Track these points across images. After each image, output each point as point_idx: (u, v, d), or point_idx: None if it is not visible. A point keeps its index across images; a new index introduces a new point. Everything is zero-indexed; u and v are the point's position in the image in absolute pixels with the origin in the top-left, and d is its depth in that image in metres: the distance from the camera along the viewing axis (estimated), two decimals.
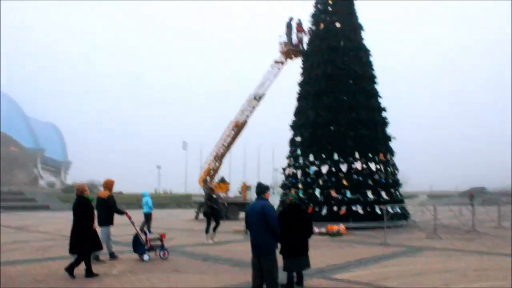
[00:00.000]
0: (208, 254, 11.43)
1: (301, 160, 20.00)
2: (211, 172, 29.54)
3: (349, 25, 21.09)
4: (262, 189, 6.93)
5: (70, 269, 8.08)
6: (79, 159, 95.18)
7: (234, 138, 28.39)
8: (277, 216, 6.81)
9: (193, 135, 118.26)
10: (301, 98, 21.22)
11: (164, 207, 54.22)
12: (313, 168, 19.25)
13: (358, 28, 21.43)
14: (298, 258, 7.36)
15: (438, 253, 11.50)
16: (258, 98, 26.15)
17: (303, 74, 21.79)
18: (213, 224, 14.35)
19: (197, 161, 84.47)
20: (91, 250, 8.44)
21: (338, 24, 20.81)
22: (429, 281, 7.91)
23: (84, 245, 8.16)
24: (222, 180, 29.85)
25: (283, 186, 21.17)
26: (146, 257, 10.29)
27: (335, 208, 18.33)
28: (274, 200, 29.35)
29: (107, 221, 10.40)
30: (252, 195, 29.19)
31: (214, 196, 14.78)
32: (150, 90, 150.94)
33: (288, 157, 21.15)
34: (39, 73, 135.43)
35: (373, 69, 21.13)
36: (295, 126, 21.11)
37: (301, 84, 21.56)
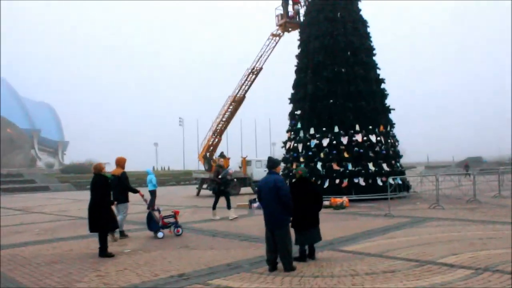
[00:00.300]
0: (216, 230, 11.53)
1: (301, 134, 20.00)
2: (210, 148, 29.54)
3: None
4: (273, 164, 7.10)
5: (103, 252, 8.13)
6: (75, 139, 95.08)
7: (232, 113, 28.30)
8: (289, 189, 6.94)
9: (189, 112, 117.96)
10: (299, 70, 21.06)
11: (164, 184, 54.43)
12: (314, 142, 19.28)
13: None
14: (309, 231, 7.45)
15: (442, 223, 11.63)
16: (255, 72, 25.96)
17: (300, 46, 21.57)
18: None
19: (194, 138, 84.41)
20: (109, 230, 8.48)
21: None
22: (437, 251, 7.99)
23: (104, 223, 8.20)
24: (222, 156, 29.71)
25: (285, 159, 21.19)
26: (160, 234, 10.36)
27: (337, 181, 18.44)
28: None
29: (121, 199, 10.46)
30: (252, 170, 29.35)
31: (224, 172, 14.40)
32: (145, 67, 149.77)
33: (289, 131, 21.14)
34: (30, 51, 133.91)
35: (371, 41, 20.92)
36: (294, 100, 21.01)
37: (298, 57, 21.38)
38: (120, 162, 10.81)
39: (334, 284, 6.03)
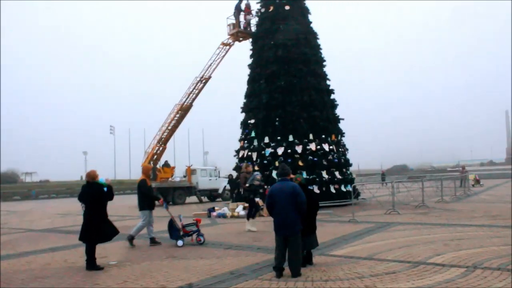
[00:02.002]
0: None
1: (255, 143, 20.17)
2: (154, 157, 28.89)
3: (297, 8, 21.37)
4: (287, 171, 7.20)
5: (91, 265, 7.71)
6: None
7: (179, 122, 27.91)
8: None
9: (120, 119, 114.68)
10: (252, 80, 21.28)
11: None
12: (269, 150, 19.52)
13: (306, 11, 21.79)
14: (308, 237, 7.56)
15: (407, 227, 12.23)
16: (204, 80, 25.83)
17: (253, 56, 21.84)
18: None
19: (125, 146, 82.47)
20: (101, 241, 8.03)
21: (287, 7, 21.01)
22: (420, 252, 8.42)
23: (96, 234, 7.78)
24: (166, 164, 29.33)
25: (238, 168, 21.23)
26: (180, 242, 10.16)
27: None
28: (221, 183, 29.51)
29: (143, 206, 10.42)
30: (197, 179, 29.08)
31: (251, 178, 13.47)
32: (75, 71, 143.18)
33: (242, 140, 21.23)
34: None
35: (321, 52, 21.63)
36: (247, 109, 21.18)
37: (251, 67, 21.61)
38: (144, 170, 11.07)
39: (347, 286, 6.18)
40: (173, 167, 29.58)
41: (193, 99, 26.77)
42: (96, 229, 7.82)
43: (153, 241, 10.55)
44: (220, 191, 29.60)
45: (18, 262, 8.79)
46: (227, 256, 8.71)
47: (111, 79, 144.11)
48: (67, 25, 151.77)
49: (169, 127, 28.05)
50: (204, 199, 29.65)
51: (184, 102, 26.73)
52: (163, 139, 28.56)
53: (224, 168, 35.83)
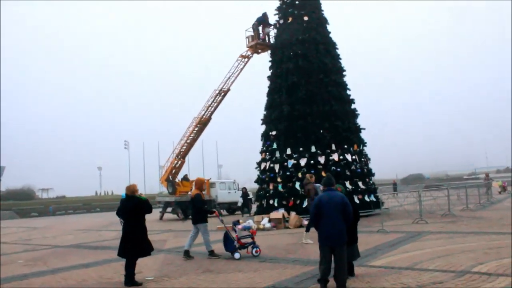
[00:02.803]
0: (222, 252, 11.17)
1: (277, 154, 20.06)
2: (173, 171, 28.88)
3: (316, 19, 21.40)
4: (332, 181, 7.15)
5: (131, 281, 7.64)
6: (12, 164, 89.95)
7: (197, 135, 27.91)
8: None
9: (134, 135, 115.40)
10: (272, 92, 21.25)
11: (114, 209, 52.46)
12: (291, 162, 19.39)
13: (324, 21, 21.79)
14: (349, 248, 7.41)
15: (440, 236, 12.00)
16: (222, 93, 25.86)
17: (272, 67, 21.85)
18: None
19: (140, 160, 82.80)
20: (141, 255, 7.94)
21: (306, 18, 21.04)
22: (461, 261, 8.22)
23: (137, 249, 7.71)
24: (185, 178, 29.28)
25: (259, 181, 21.13)
26: (237, 255, 10.07)
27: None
28: (235, 196, 29.39)
29: (197, 219, 10.56)
30: (217, 192, 28.97)
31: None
32: (88, 87, 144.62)
33: (263, 152, 21.14)
34: None
35: (340, 62, 21.57)
36: (268, 120, 21.13)
37: (271, 78, 21.61)
38: (197, 184, 11.13)
39: None
40: (192, 181, 29.47)
41: (212, 112, 26.78)
42: (137, 243, 7.73)
43: (212, 254, 10.50)
44: (239, 204, 29.42)
45: (52, 279, 8.72)
46: (265, 269, 8.57)
47: (126, 93, 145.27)
48: (82, 38, 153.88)
49: (188, 141, 28.05)
50: (223, 212, 29.49)
51: (203, 115, 26.76)
52: (181, 153, 28.56)
53: (239, 182, 35.74)
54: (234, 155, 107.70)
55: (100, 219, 34.49)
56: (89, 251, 13.29)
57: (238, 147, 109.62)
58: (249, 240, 10.50)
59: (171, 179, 28.66)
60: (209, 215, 11.15)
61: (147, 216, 8.17)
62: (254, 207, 30.31)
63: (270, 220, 16.96)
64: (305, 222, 15.98)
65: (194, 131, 27.60)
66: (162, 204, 29.41)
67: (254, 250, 10.31)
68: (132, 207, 7.84)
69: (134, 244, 7.70)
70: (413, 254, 9.42)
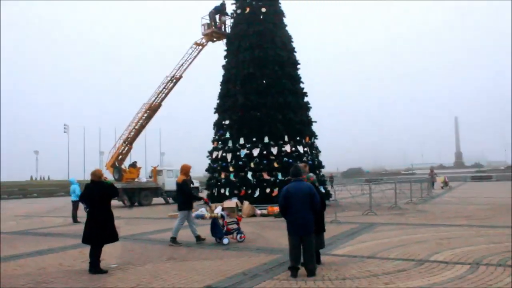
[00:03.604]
0: (188, 240, 11.05)
1: (230, 144, 20.08)
2: (119, 157, 28.17)
3: (273, 10, 21.49)
4: (300, 171, 7.24)
5: (95, 269, 7.38)
6: None
7: (146, 122, 27.35)
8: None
9: (74, 118, 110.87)
10: (227, 81, 21.18)
11: (52, 195, 50.32)
12: (244, 151, 19.48)
13: (281, 14, 21.93)
14: (317, 237, 7.61)
15: (392, 227, 12.54)
16: (174, 80, 25.45)
17: (227, 57, 21.77)
18: None
19: (79, 146, 79.88)
20: (107, 242, 7.68)
21: (263, 9, 21.09)
22: (418, 250, 8.67)
23: (103, 236, 7.46)
24: (133, 165, 28.64)
25: (210, 169, 21.08)
26: (225, 240, 10.24)
27: (267, 190, 18.80)
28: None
29: (184, 206, 10.54)
30: (164, 180, 28.53)
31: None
32: (27, 66, 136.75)
33: (215, 140, 21.07)
34: None
35: (295, 55, 21.83)
36: (221, 109, 21.07)
37: (226, 67, 21.51)
38: (184, 170, 10.86)
39: (368, 284, 6.27)
40: (140, 168, 28.92)
41: (162, 99, 26.32)
42: (104, 229, 7.51)
43: (199, 239, 10.63)
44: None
45: (7, 267, 8.25)
46: (230, 257, 8.59)
47: (67, 74, 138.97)
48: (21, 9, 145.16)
49: (136, 127, 27.43)
50: (170, 200, 29.13)
51: (153, 101, 26.24)
52: (129, 139, 27.90)
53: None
54: (176, 142, 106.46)
55: (39, 204, 32.99)
56: (38, 237, 12.70)
57: (180, 134, 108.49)
58: (234, 226, 10.69)
59: (117, 165, 27.94)
60: (197, 201, 11.68)
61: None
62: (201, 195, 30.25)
63: (223, 209, 16.92)
64: (222, 213, 16.26)
65: (143, 117, 27.03)
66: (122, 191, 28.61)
67: (239, 236, 10.57)
68: (99, 193, 7.60)
69: (102, 231, 7.47)
70: (370, 244, 9.80)
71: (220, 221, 10.57)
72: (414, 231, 11.66)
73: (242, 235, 10.64)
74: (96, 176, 7.78)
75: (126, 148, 28.20)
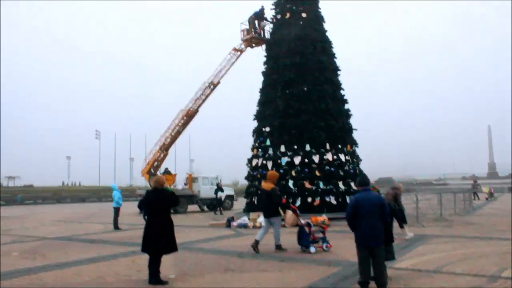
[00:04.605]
0: (232, 250, 10.74)
1: (270, 151, 19.79)
2: (155, 164, 28.25)
3: (313, 16, 21.21)
4: (368, 181, 6.99)
5: (156, 279, 7.16)
6: None
7: (182, 128, 27.34)
8: None
9: (106, 125, 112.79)
10: (267, 87, 20.94)
11: (84, 200, 51.10)
12: (285, 159, 19.14)
13: (321, 19, 21.62)
14: (386, 248, 7.24)
15: (446, 240, 12.01)
16: (212, 86, 25.38)
17: (267, 63, 21.55)
18: None
19: (110, 151, 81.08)
20: (167, 252, 7.44)
21: (304, 14, 20.83)
22: (484, 265, 8.23)
23: (166, 245, 7.24)
24: (167, 172, 28.64)
25: (250, 177, 20.82)
26: (312, 249, 10.16)
27: (309, 199, 18.40)
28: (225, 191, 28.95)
29: (271, 213, 10.59)
30: (199, 187, 28.41)
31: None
32: (61, 74, 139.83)
33: (255, 148, 20.81)
34: None
35: (335, 61, 21.43)
36: (261, 116, 20.81)
37: (266, 73, 21.28)
38: (271, 177, 11.03)
39: None
40: (175, 174, 28.92)
41: (199, 105, 26.26)
42: (163, 238, 7.26)
43: (280, 248, 10.59)
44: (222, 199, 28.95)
45: (63, 274, 8.11)
46: (289, 269, 8.23)
47: (100, 81, 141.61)
48: (53, 21, 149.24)
49: (172, 133, 27.45)
50: (205, 208, 29.00)
51: (190, 108, 26.20)
52: (165, 145, 27.95)
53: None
54: (204, 149, 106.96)
55: (74, 209, 33.45)
56: (85, 244, 12.62)
57: (210, 142, 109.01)
58: (320, 235, 10.57)
59: (153, 172, 28.01)
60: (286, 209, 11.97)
61: (126, 209, 7.72)
62: (236, 204, 30.01)
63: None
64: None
65: (180, 124, 27.03)
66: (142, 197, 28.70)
67: (325, 244, 10.44)
68: (160, 201, 7.39)
69: (161, 240, 7.23)
70: (431, 257, 9.32)
71: (307, 229, 10.44)
72: (471, 244, 11.15)
73: (328, 244, 10.49)
74: (159, 183, 7.58)
75: (162, 155, 28.24)
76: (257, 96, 21.68)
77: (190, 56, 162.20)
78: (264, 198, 10.88)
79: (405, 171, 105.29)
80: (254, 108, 21.65)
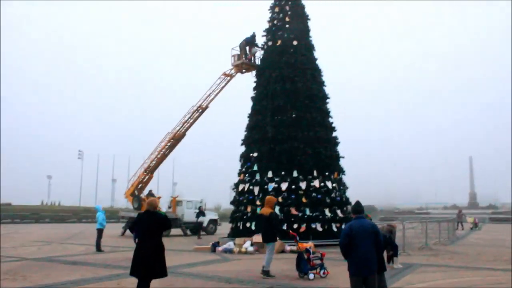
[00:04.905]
0: (224, 276, 10.55)
1: (257, 176, 19.72)
2: (139, 186, 27.88)
3: (304, 43, 21.49)
4: (362, 208, 6.95)
5: None
6: None
7: (169, 150, 27.14)
8: None
9: (89, 144, 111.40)
10: (256, 113, 20.98)
11: (64, 220, 50.00)
12: (272, 185, 19.08)
13: (312, 47, 21.91)
14: (378, 276, 7.17)
15: (434, 269, 12.06)
16: (200, 110, 25.33)
17: (257, 88, 21.65)
18: None
19: (92, 172, 79.97)
20: (155, 276, 7.24)
21: (295, 42, 21.09)
22: None
23: (157, 270, 7.06)
24: (151, 194, 28.19)
25: (236, 202, 20.65)
26: (311, 275, 10.20)
27: (295, 226, 18.25)
28: (207, 216, 28.67)
29: (271, 238, 10.64)
30: (183, 211, 28.08)
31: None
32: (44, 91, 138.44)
33: (242, 173, 20.71)
34: None
35: (324, 89, 21.63)
36: (249, 141, 20.79)
37: (255, 99, 21.36)
38: (269, 202, 11.21)
39: None
40: (159, 197, 28.47)
41: (187, 129, 26.14)
42: (154, 263, 7.09)
43: (268, 274, 10.42)
44: (205, 224, 28.64)
45: None
46: None
47: (86, 100, 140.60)
48: (38, 36, 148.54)
49: (158, 156, 27.22)
50: (188, 232, 28.57)
51: (178, 130, 26.07)
52: (150, 168, 27.66)
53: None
54: (188, 172, 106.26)
55: (53, 230, 32.64)
56: (67, 266, 12.27)
57: (195, 165, 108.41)
58: (318, 261, 10.56)
59: (137, 194, 27.63)
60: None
61: (108, 231, 7.58)
62: (219, 228, 29.71)
63: (252, 244, 16.49)
64: (251, 248, 15.89)
65: (166, 146, 26.84)
66: (125, 219, 28.21)
67: (322, 271, 10.47)
68: (152, 224, 7.24)
69: (152, 264, 7.07)
70: (420, 286, 9.33)
71: (305, 255, 10.43)
72: (458, 274, 11.24)
73: (326, 271, 10.46)
74: (152, 206, 7.45)
75: (147, 177, 27.92)
76: (245, 121, 21.71)
77: (178, 79, 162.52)
78: (263, 223, 10.87)
79: (387, 200, 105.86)
80: (241, 133, 21.67)
